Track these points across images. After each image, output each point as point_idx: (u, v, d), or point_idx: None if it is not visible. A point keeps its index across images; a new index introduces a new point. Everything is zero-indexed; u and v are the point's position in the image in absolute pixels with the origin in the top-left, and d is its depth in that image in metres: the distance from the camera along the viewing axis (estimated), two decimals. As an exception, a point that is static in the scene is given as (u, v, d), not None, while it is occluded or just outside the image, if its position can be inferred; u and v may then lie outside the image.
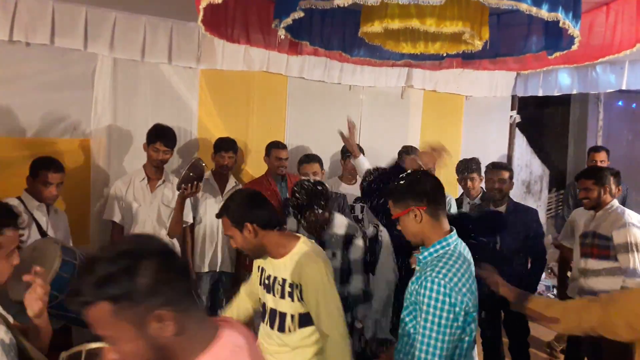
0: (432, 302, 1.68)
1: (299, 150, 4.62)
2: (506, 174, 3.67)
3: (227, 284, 4.04)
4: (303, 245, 2.12)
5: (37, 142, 3.42)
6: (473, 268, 1.87)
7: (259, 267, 2.26)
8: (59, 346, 2.56)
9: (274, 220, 2.10)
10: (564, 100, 6.77)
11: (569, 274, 3.79)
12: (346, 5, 2.25)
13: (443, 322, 1.66)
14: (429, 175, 1.95)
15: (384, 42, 3.06)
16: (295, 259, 2.07)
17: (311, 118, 4.71)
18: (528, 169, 6.61)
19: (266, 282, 2.18)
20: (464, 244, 1.91)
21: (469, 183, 3.97)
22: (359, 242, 2.81)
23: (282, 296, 2.11)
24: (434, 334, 1.67)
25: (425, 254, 1.84)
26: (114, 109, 3.73)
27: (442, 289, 1.68)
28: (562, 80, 5.35)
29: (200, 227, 3.85)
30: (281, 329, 2.14)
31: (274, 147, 4.04)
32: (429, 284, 1.70)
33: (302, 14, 2.37)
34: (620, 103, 6.79)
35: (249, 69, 4.25)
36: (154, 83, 3.89)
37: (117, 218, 3.45)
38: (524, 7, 2.24)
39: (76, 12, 3.42)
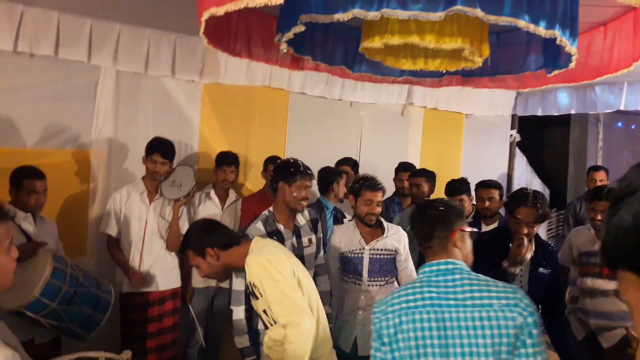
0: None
1: (299, 165, 4.63)
2: (496, 192, 3.65)
3: (224, 299, 4.01)
4: (251, 247, 2.24)
5: (37, 153, 3.42)
6: (447, 304, 1.67)
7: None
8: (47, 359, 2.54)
9: (232, 238, 2.26)
10: (564, 121, 6.81)
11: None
12: (346, 19, 2.28)
13: (373, 341, 1.73)
14: (421, 212, 1.87)
15: (385, 58, 3.09)
16: (247, 261, 2.19)
17: (312, 133, 4.73)
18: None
19: (248, 291, 2.32)
20: (464, 280, 1.71)
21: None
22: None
23: (255, 297, 2.20)
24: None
25: None
26: (115, 121, 3.75)
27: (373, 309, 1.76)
28: (562, 100, 5.40)
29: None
30: (265, 326, 2.25)
31: (272, 163, 4.04)
32: None
33: (303, 28, 2.40)
34: (619, 124, 6.82)
35: (251, 84, 4.28)
36: (156, 96, 3.91)
37: (112, 231, 3.43)
38: (521, 24, 2.27)
39: (81, 24, 3.45)
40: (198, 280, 3.82)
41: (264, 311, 2.18)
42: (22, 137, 3.40)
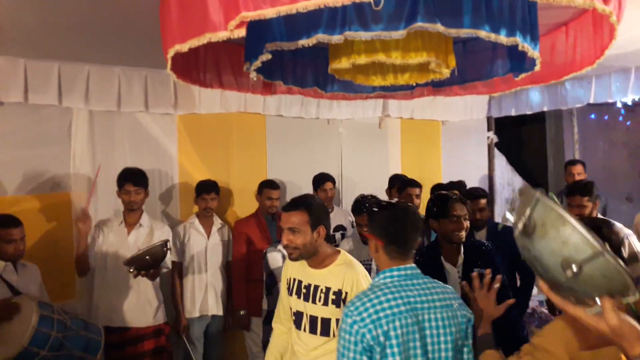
0: (341, 332, 1.73)
1: (282, 186, 4.64)
2: (484, 202, 3.63)
3: (219, 327, 3.99)
4: (344, 257, 2.28)
5: (17, 199, 3.42)
6: (422, 307, 1.77)
7: (290, 279, 2.38)
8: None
9: (330, 234, 2.34)
10: (540, 118, 6.91)
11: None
12: (310, 45, 2.31)
13: (346, 352, 1.69)
14: (405, 215, 1.86)
15: (354, 76, 3.11)
16: (340, 269, 2.23)
17: (292, 154, 4.75)
18: (510, 187, 6.67)
19: (304, 291, 2.29)
20: (429, 283, 1.83)
21: None
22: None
23: (325, 303, 2.22)
24: None
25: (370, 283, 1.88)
26: (92, 161, 3.75)
27: (347, 319, 1.71)
28: (534, 99, 5.50)
29: (188, 271, 3.82)
30: (325, 333, 2.24)
31: (266, 187, 4.05)
32: (342, 312, 1.76)
33: (270, 56, 2.41)
34: (592, 116, 6.95)
35: (227, 111, 4.30)
36: (131, 132, 3.92)
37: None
38: (482, 34, 2.31)
39: (49, 68, 3.46)
40: (192, 310, 3.80)
41: (337, 320, 2.19)
42: (2, 185, 3.39)
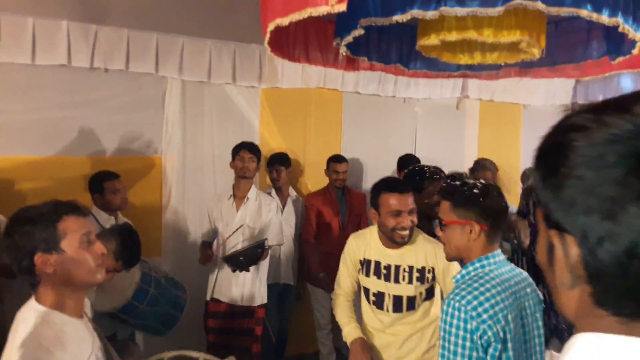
0: (447, 328, 1.57)
1: (355, 163, 4.72)
2: None
3: (291, 295, 4.15)
4: (420, 234, 2.35)
5: (114, 160, 3.69)
6: (520, 295, 1.68)
7: (364, 260, 2.41)
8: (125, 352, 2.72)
9: None
10: (628, 106, 6.54)
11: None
12: (405, 20, 2.34)
13: (459, 350, 1.54)
14: (502, 195, 1.78)
15: (441, 54, 3.11)
16: (421, 246, 2.31)
17: (367, 131, 4.80)
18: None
19: (384, 272, 2.34)
20: (515, 269, 1.76)
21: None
22: None
23: (410, 282, 2.30)
24: None
25: (458, 276, 1.74)
26: (183, 128, 3.97)
27: (456, 313, 1.54)
28: (625, 86, 5.22)
29: (264, 240, 3.98)
30: (412, 308, 2.33)
31: (332, 161, 4.18)
32: (445, 307, 1.60)
33: (362, 32, 2.47)
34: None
35: (307, 86, 4.41)
36: (219, 102, 4.10)
37: (205, 237, 3.60)
38: (584, 13, 2.25)
39: (148, 39, 3.69)
40: (267, 277, 3.94)
41: (420, 293, 2.32)
42: (102, 146, 3.69)
